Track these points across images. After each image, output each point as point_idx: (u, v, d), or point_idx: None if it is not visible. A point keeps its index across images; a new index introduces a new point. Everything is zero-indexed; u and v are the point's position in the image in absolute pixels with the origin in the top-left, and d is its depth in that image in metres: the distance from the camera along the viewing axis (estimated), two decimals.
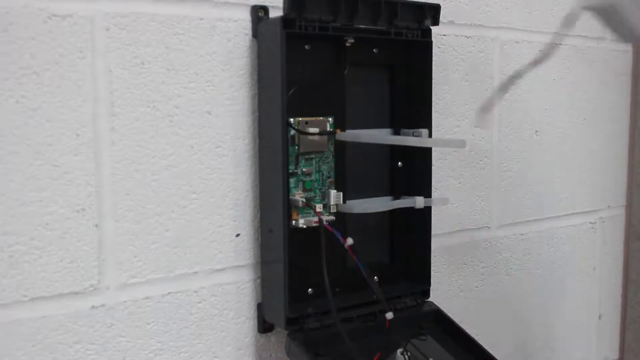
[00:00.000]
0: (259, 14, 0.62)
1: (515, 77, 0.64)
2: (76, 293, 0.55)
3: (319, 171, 0.64)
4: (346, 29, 0.61)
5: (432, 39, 0.66)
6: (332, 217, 0.64)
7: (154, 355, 0.60)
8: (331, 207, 0.64)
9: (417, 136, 0.67)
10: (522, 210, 0.89)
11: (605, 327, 1.04)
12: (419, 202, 0.67)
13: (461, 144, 0.62)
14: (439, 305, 0.69)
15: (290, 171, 0.62)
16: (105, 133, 0.56)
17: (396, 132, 0.69)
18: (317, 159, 0.64)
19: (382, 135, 0.63)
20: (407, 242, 0.70)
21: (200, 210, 0.61)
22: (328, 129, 0.64)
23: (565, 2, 0.91)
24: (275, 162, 0.59)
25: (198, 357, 0.62)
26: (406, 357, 0.60)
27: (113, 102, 0.56)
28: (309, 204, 0.62)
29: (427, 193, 0.68)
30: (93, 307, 0.56)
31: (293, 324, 0.61)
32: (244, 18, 0.62)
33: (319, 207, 0.64)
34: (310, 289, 0.65)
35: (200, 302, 0.62)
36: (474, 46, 0.80)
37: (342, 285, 0.66)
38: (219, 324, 0.63)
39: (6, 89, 0.51)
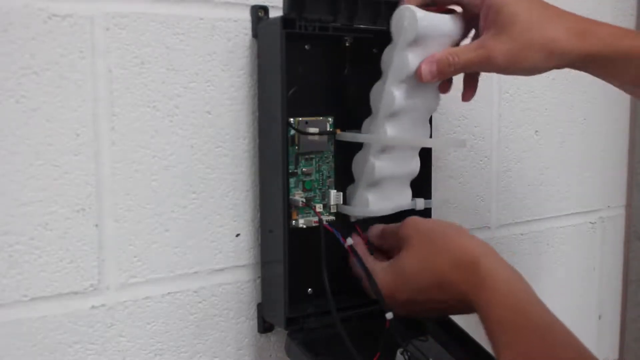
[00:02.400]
0: (259, 14, 0.62)
1: None
2: (76, 293, 0.55)
3: (319, 171, 0.64)
4: (346, 29, 0.61)
5: None
6: (332, 217, 0.64)
7: (154, 355, 0.60)
8: (331, 207, 0.64)
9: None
10: (522, 210, 0.89)
11: (605, 327, 1.04)
12: (420, 203, 0.67)
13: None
14: None
15: (290, 171, 0.62)
16: (105, 133, 0.56)
17: None
18: (317, 159, 0.64)
19: (382, 136, 0.63)
20: None
21: (200, 210, 0.61)
22: (328, 129, 0.64)
23: (565, 3, 0.91)
24: (275, 162, 0.59)
25: (198, 357, 0.62)
26: (406, 357, 0.60)
27: (113, 102, 0.56)
28: (309, 204, 0.62)
29: (427, 195, 0.68)
30: (93, 307, 0.56)
31: (293, 324, 0.61)
32: (244, 18, 0.62)
33: (319, 207, 0.64)
34: (310, 289, 0.65)
35: (200, 302, 0.62)
36: None
37: (342, 285, 0.66)
38: (219, 324, 0.63)
39: (6, 89, 0.51)
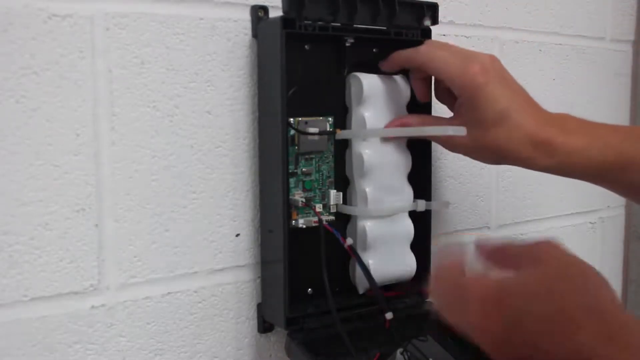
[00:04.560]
0: (259, 14, 0.62)
1: None
2: (76, 293, 0.55)
3: (318, 171, 0.64)
4: (346, 29, 0.61)
5: (432, 39, 0.66)
6: (332, 217, 0.64)
7: (154, 355, 0.60)
8: (331, 207, 0.64)
9: None
10: (522, 210, 0.89)
11: None
12: (421, 205, 0.67)
13: (460, 130, 0.61)
14: None
15: (290, 171, 0.62)
16: (105, 133, 0.56)
17: None
18: (317, 159, 0.64)
19: (381, 130, 0.63)
20: None
21: (200, 210, 0.61)
22: (328, 129, 0.64)
23: (565, 2, 0.91)
24: (275, 162, 0.59)
25: (198, 357, 0.62)
26: (406, 357, 0.60)
27: (113, 102, 0.56)
28: (308, 204, 0.62)
29: (428, 196, 0.68)
30: (93, 307, 0.56)
31: (293, 324, 0.61)
32: (244, 18, 0.62)
33: (318, 207, 0.64)
34: (310, 289, 0.65)
35: (200, 302, 0.62)
36: (473, 46, 0.80)
37: (342, 285, 0.66)
38: (219, 324, 0.63)
39: (6, 89, 0.51)
